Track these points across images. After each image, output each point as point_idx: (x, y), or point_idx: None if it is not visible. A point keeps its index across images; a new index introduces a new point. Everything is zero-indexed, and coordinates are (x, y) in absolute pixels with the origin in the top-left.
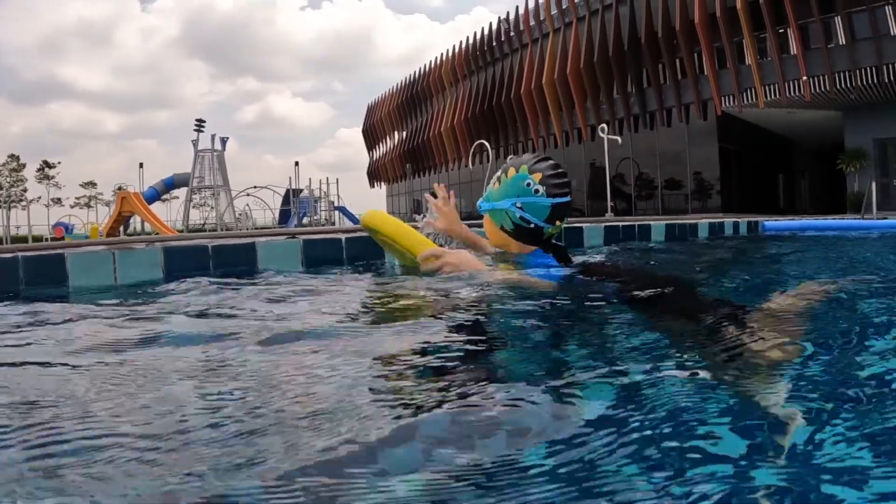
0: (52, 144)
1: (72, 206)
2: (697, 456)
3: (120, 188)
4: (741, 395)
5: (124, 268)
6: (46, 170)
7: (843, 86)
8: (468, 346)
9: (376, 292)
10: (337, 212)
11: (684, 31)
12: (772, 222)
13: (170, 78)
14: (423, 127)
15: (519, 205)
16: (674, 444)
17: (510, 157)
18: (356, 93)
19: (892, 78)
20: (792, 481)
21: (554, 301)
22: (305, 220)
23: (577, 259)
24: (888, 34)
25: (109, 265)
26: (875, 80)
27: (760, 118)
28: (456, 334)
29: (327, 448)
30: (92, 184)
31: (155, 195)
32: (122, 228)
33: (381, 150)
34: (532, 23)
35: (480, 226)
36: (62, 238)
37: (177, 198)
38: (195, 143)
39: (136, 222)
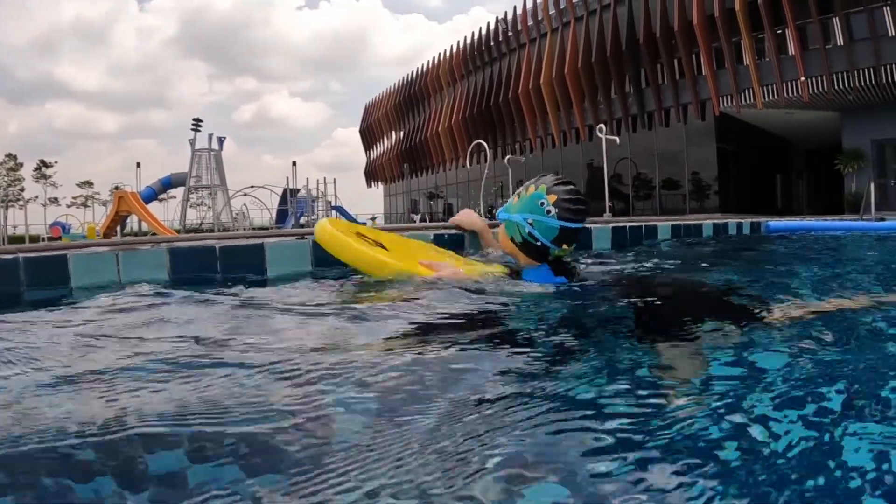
0: (49, 144)
1: (69, 206)
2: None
3: (117, 188)
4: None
5: (128, 269)
6: (43, 169)
7: (840, 86)
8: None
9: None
10: (334, 212)
11: (682, 31)
12: (776, 223)
13: (167, 78)
14: (421, 127)
15: (530, 221)
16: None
17: (540, 174)
18: (354, 93)
19: (889, 79)
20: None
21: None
22: (303, 220)
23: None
24: (886, 35)
25: (113, 266)
26: (873, 81)
27: (758, 118)
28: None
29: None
30: (89, 183)
31: (152, 195)
32: (119, 228)
33: (378, 149)
34: (530, 23)
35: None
36: (59, 238)
37: (174, 197)
38: (192, 142)
39: (132, 222)
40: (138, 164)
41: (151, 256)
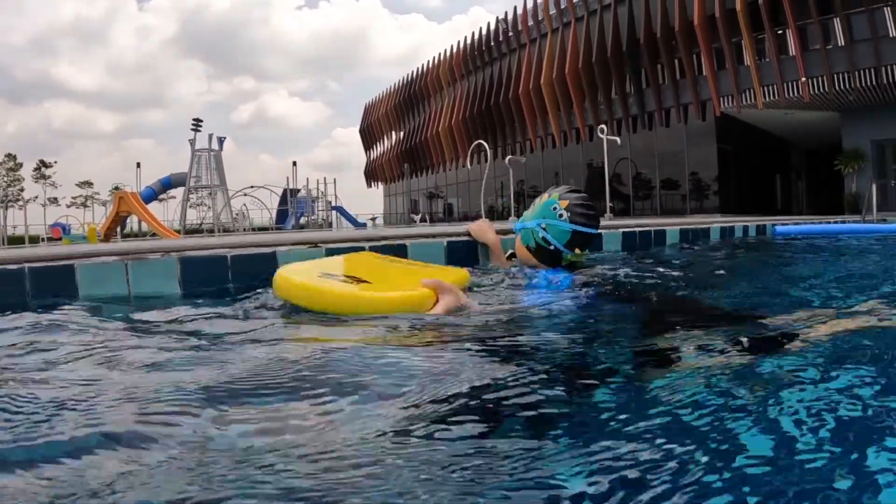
0: (48, 144)
1: (68, 206)
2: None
3: (117, 188)
4: None
5: (138, 279)
6: (43, 169)
7: (841, 87)
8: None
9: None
10: (334, 212)
11: (683, 31)
12: (782, 227)
13: (166, 77)
14: (421, 127)
15: (543, 226)
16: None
17: (552, 186)
18: (353, 93)
19: (890, 79)
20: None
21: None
22: (303, 221)
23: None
24: (887, 36)
25: (122, 277)
26: (874, 82)
27: (758, 119)
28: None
29: None
30: (88, 183)
31: (152, 195)
32: (119, 229)
33: (378, 149)
34: (530, 23)
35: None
36: (60, 238)
37: (174, 198)
38: (192, 142)
39: (132, 222)
40: (138, 165)
41: (162, 266)
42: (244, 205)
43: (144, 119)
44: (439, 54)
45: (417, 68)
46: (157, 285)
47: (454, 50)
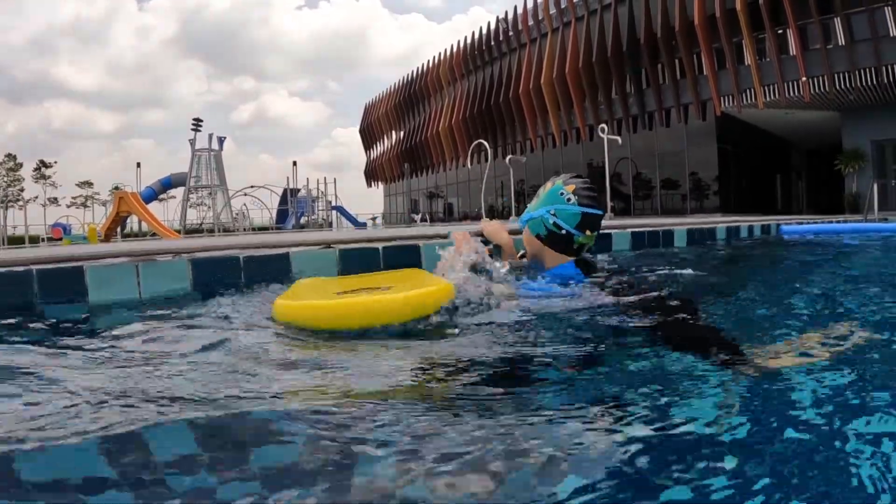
0: (48, 144)
1: (68, 206)
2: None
3: (117, 188)
4: None
5: (148, 281)
6: (43, 169)
7: (841, 86)
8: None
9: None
10: (334, 211)
11: (683, 31)
12: (788, 226)
13: (166, 77)
14: (421, 126)
15: (552, 212)
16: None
17: (552, 177)
18: (353, 93)
19: (890, 79)
20: None
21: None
22: (303, 221)
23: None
24: (887, 35)
25: (132, 279)
26: (874, 82)
27: (759, 119)
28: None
29: None
30: (88, 183)
31: (152, 195)
32: (119, 229)
33: (378, 149)
34: (530, 22)
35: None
36: (60, 239)
37: (174, 197)
38: (192, 142)
39: (132, 222)
40: (138, 165)
41: (173, 268)
42: (244, 205)
43: (144, 119)
44: (439, 54)
45: (417, 68)
46: (168, 287)
47: (454, 49)
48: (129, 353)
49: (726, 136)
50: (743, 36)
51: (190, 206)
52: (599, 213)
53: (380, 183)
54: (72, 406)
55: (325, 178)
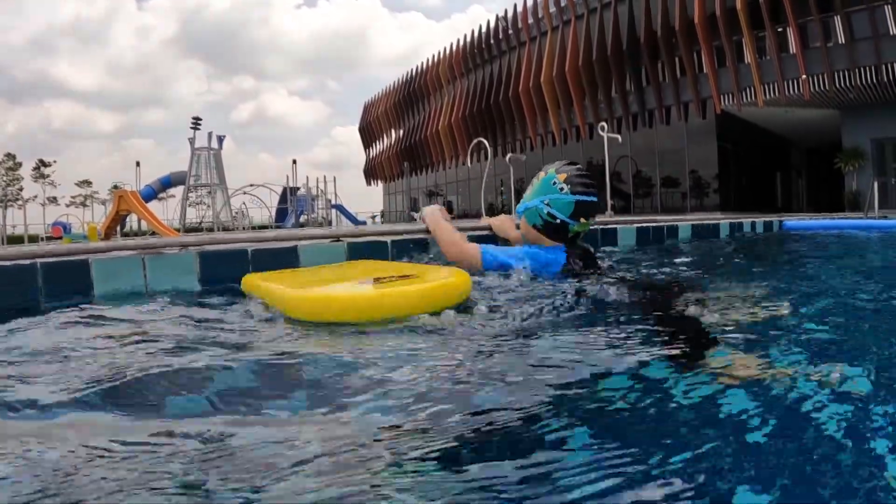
0: (48, 143)
1: (67, 206)
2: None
3: (116, 187)
4: None
5: (155, 274)
6: (42, 169)
7: (841, 85)
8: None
9: None
10: (334, 210)
11: (683, 30)
12: (791, 221)
13: (166, 77)
14: (421, 125)
15: (546, 201)
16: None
17: (545, 165)
18: (352, 92)
19: (890, 77)
20: None
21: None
22: (303, 219)
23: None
24: (887, 34)
25: (139, 272)
26: (874, 80)
27: (759, 117)
28: None
29: None
30: (87, 182)
31: (151, 194)
32: (118, 227)
33: (378, 148)
34: (530, 21)
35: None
36: (60, 238)
37: (173, 196)
38: (192, 141)
39: (132, 221)
40: (138, 164)
41: (180, 261)
42: (244, 203)
43: (144, 119)
44: (439, 52)
45: (417, 66)
46: (175, 281)
47: (454, 48)
48: (134, 346)
49: (726, 134)
50: (743, 34)
51: (189, 205)
52: (593, 200)
53: (379, 181)
54: (72, 398)
55: (324, 176)
